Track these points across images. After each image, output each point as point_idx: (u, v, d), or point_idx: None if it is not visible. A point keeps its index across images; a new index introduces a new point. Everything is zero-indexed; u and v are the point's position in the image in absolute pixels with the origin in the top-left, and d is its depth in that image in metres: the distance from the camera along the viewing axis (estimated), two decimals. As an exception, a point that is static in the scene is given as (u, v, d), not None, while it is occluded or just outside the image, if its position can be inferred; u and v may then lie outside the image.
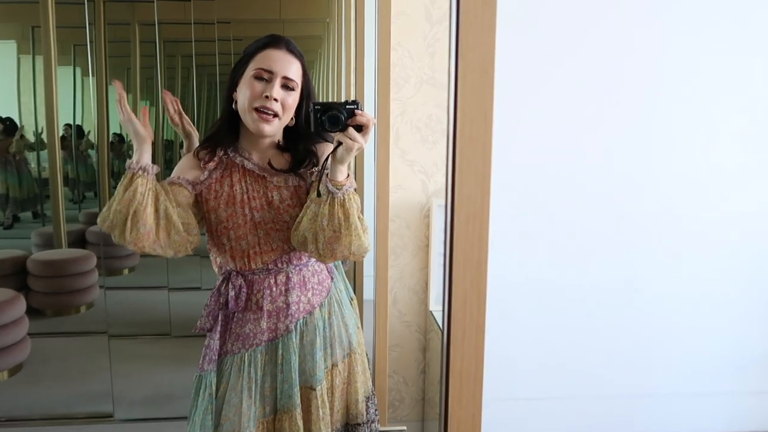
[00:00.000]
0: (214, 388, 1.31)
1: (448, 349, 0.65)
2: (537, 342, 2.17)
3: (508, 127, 1.86)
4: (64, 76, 3.28)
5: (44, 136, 3.30)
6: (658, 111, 2.07)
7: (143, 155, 1.20)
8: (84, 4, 2.81)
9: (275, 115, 1.23)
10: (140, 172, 1.18)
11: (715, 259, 2.18)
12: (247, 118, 1.24)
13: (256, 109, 1.22)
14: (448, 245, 0.63)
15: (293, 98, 1.25)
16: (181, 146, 1.52)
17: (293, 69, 1.25)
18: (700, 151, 2.11)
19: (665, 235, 2.16)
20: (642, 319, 2.20)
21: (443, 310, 0.67)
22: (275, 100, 1.22)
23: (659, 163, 2.10)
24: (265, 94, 1.22)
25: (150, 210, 1.17)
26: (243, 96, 1.24)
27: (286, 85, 1.24)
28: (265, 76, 1.22)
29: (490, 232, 0.63)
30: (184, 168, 1.31)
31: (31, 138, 3.38)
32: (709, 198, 2.15)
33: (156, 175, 1.22)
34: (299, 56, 1.27)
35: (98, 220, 1.20)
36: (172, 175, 1.31)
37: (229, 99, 1.28)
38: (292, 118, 1.28)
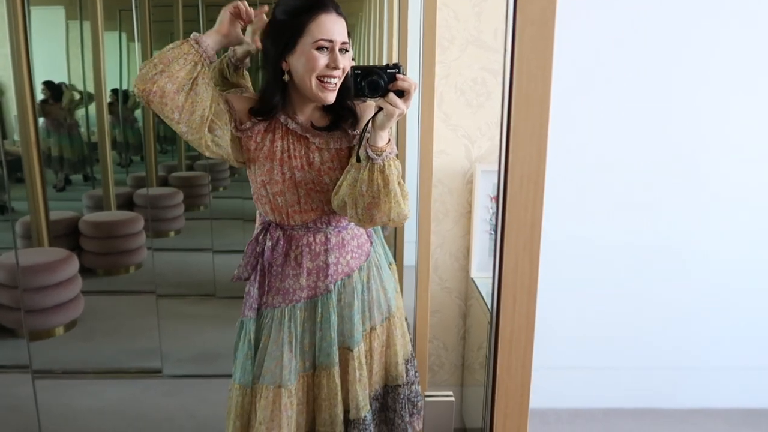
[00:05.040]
0: (252, 335, 1.34)
1: (497, 317, 0.64)
2: (577, 309, 2.13)
3: (564, 89, 1.79)
4: (110, 41, 3.32)
5: (93, 101, 3.37)
6: (705, 73, 1.96)
7: (208, 35, 1.18)
8: (129, -33, 2.82)
9: (337, 82, 1.22)
10: (193, 42, 1.16)
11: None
12: (311, 88, 1.21)
13: (320, 80, 1.20)
14: (500, 207, 0.61)
15: (348, 59, 1.23)
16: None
17: (345, 32, 1.22)
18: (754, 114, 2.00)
19: (716, 205, 2.07)
20: (688, 289, 2.13)
21: (493, 276, 0.65)
22: (342, 69, 1.20)
23: (722, 129, 2.00)
24: (332, 65, 1.19)
25: (183, 74, 1.13)
26: (303, 68, 1.20)
27: (343, 49, 1.21)
28: (326, 46, 1.19)
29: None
30: (236, 100, 1.28)
31: (81, 101, 3.46)
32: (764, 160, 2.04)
33: (209, 64, 1.18)
34: (343, 14, 1.24)
35: (139, 68, 1.16)
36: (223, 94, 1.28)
37: (277, 69, 1.24)
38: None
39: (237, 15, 1.22)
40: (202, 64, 1.17)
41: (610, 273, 2.11)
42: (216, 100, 1.20)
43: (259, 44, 1.32)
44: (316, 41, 1.18)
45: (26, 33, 2.87)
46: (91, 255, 3.30)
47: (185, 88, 1.14)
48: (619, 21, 1.96)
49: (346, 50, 1.22)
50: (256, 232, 1.37)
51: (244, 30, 1.29)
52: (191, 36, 1.18)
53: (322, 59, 1.19)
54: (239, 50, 1.40)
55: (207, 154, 1.24)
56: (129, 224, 3.35)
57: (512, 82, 0.57)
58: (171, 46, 1.15)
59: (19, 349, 2.58)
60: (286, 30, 1.21)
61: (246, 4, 1.23)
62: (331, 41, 1.19)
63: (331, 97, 1.22)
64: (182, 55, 1.14)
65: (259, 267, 1.35)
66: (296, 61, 1.21)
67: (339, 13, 1.22)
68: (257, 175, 1.29)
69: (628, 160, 2.04)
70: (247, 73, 1.49)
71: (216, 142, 1.23)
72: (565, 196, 2.03)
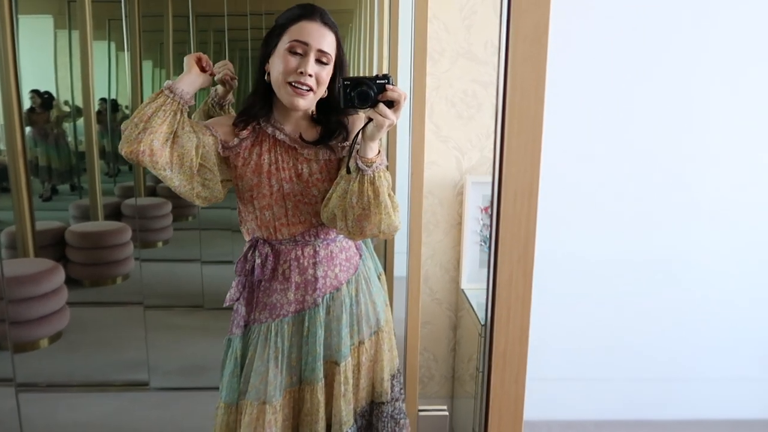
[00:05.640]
0: (239, 352, 1.33)
1: (491, 329, 0.64)
2: (569, 320, 2.14)
3: (555, 102, 1.80)
4: (99, 50, 3.31)
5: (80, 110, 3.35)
6: (714, 86, 1.99)
7: (180, 81, 1.18)
8: (119, -23, 2.81)
9: (309, 90, 1.21)
10: (167, 92, 1.16)
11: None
12: (282, 92, 1.22)
13: (291, 84, 1.20)
14: (494, 221, 0.61)
15: (327, 72, 1.23)
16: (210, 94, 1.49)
17: (327, 42, 1.22)
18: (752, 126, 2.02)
19: (707, 216, 2.09)
20: (680, 300, 2.15)
21: (487, 288, 0.65)
22: (310, 75, 1.19)
23: (713, 140, 2.02)
24: (299, 70, 1.19)
25: (165, 128, 1.14)
26: (276, 70, 1.21)
27: (320, 59, 1.21)
28: (299, 50, 1.20)
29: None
30: (219, 124, 1.29)
31: (69, 114, 3.43)
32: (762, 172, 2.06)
33: (188, 109, 1.19)
34: (333, 27, 1.24)
35: (122, 129, 1.16)
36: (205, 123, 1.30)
37: (262, 71, 1.26)
38: (325, 91, 1.26)
39: (200, 66, 1.23)
40: (181, 112, 1.17)
41: (602, 285, 2.12)
42: (200, 144, 1.21)
43: (235, 83, 1.38)
44: (290, 43, 1.19)
45: (14, 41, 2.85)
46: (77, 266, 3.26)
47: (169, 141, 1.15)
48: (609, 35, 1.99)
49: (325, 62, 1.22)
50: (244, 249, 1.35)
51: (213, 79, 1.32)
52: (164, 85, 1.18)
53: (293, 62, 1.19)
54: (220, 89, 1.43)
55: (197, 202, 1.25)
56: (116, 234, 3.32)
57: (505, 96, 0.57)
58: (147, 101, 1.16)
59: (2, 362, 2.53)
60: (272, 34, 1.24)
61: (206, 57, 1.24)
62: (306, 44, 1.19)
63: (300, 104, 1.21)
64: (160, 107, 1.14)
65: (247, 284, 1.34)
66: (273, 65, 1.23)
67: (325, 23, 1.22)
68: (244, 191, 1.29)
69: (621, 173, 2.05)
70: (232, 109, 1.51)
71: (206, 185, 1.24)
72: (558, 209, 2.04)
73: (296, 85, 1.20)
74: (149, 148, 1.12)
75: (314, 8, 1.23)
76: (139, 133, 1.12)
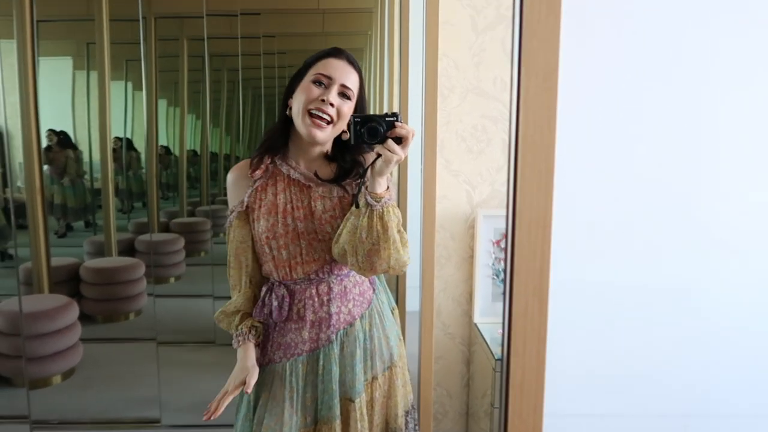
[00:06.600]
0: (252, 395, 1.32)
1: (508, 361, 0.64)
2: (585, 353, 2.11)
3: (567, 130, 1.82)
4: (116, 90, 3.40)
5: (96, 149, 3.42)
6: (720, 110, 2.00)
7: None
8: (138, 21, 2.91)
9: (329, 122, 1.24)
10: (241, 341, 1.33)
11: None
12: (300, 122, 1.24)
13: (311, 114, 1.23)
14: (509, 254, 0.62)
15: (349, 107, 1.26)
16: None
17: (351, 79, 1.26)
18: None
19: (726, 245, 2.08)
20: (700, 330, 2.12)
21: (503, 320, 0.66)
22: (331, 105, 1.23)
23: (726, 164, 2.02)
24: (321, 98, 1.22)
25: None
26: (299, 100, 1.24)
27: (343, 93, 1.25)
28: (323, 81, 1.24)
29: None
30: (235, 185, 1.33)
31: (85, 150, 3.51)
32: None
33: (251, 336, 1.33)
34: (358, 69, 1.28)
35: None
36: (229, 200, 1.35)
37: (285, 105, 1.30)
38: (344, 131, 1.28)
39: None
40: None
41: (618, 315, 2.10)
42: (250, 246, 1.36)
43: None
44: (315, 75, 1.24)
45: (35, 82, 2.94)
46: (91, 301, 3.28)
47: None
48: (622, 63, 2.02)
49: (348, 97, 1.25)
50: (261, 294, 1.36)
51: None
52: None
53: (316, 92, 1.23)
54: None
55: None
56: (130, 270, 3.35)
57: (518, 131, 0.59)
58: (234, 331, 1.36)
59: (16, 398, 2.53)
60: (299, 72, 1.29)
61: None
62: (329, 78, 1.23)
63: (318, 135, 1.23)
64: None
65: (263, 328, 1.35)
66: (296, 97, 1.26)
67: (350, 62, 1.26)
68: (260, 233, 1.30)
69: (637, 200, 2.05)
70: None
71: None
72: (573, 239, 2.04)
73: (316, 113, 1.22)
74: None
75: (341, 49, 1.28)
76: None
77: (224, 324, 1.36)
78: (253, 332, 1.32)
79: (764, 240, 2.31)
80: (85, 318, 3.08)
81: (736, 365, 2.29)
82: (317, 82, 1.24)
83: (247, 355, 1.30)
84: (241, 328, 1.32)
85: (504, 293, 0.64)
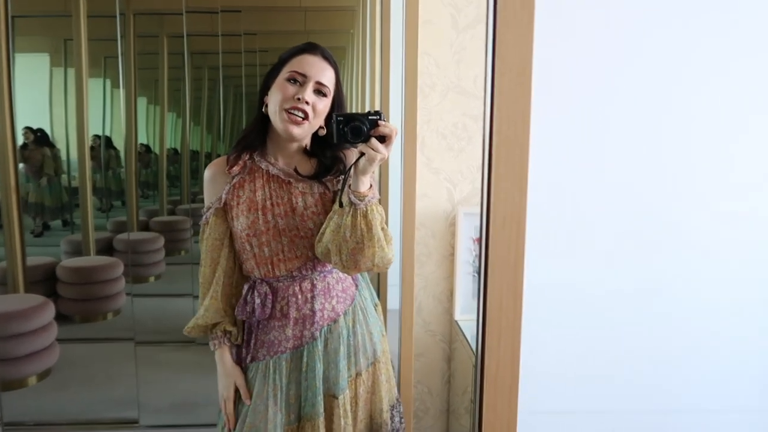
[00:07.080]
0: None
1: (482, 356, 0.64)
2: (563, 351, 2.12)
3: (542, 130, 1.83)
4: (94, 87, 3.35)
5: (74, 147, 3.37)
6: (691, 112, 2.03)
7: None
8: (116, 17, 2.87)
9: (305, 118, 1.23)
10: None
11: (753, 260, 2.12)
12: (277, 119, 1.23)
13: (287, 111, 1.22)
14: (483, 248, 0.62)
15: (324, 104, 1.25)
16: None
17: (327, 75, 1.25)
18: (741, 151, 2.06)
19: (704, 246, 2.10)
20: (676, 330, 2.14)
21: (477, 315, 0.66)
22: (306, 102, 1.22)
23: (697, 165, 2.05)
24: (296, 96, 1.21)
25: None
26: (274, 98, 1.24)
27: (319, 90, 1.24)
28: (298, 79, 1.23)
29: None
30: (213, 182, 1.32)
31: (62, 149, 3.45)
32: (746, 198, 2.09)
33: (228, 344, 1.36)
34: (333, 64, 1.27)
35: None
36: (205, 197, 1.34)
37: (261, 102, 1.29)
38: (321, 127, 1.27)
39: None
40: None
41: (595, 314, 2.12)
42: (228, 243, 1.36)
43: None
44: (290, 72, 1.23)
45: (10, 79, 2.89)
46: (68, 301, 3.23)
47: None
48: (599, 62, 2.04)
49: (323, 94, 1.25)
50: (243, 292, 1.34)
51: None
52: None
53: (291, 90, 1.22)
54: None
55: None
56: (108, 269, 3.30)
57: (492, 126, 0.59)
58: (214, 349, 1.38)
59: (-11, 401, 2.48)
60: (273, 68, 1.28)
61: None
62: (304, 75, 1.23)
63: (294, 131, 1.23)
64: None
65: (246, 326, 1.34)
66: (271, 94, 1.25)
67: (325, 58, 1.26)
68: (241, 230, 1.29)
69: (614, 199, 2.07)
70: None
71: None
72: (548, 238, 2.06)
73: (292, 111, 1.22)
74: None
75: (316, 45, 1.27)
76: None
77: (195, 333, 1.38)
78: (228, 336, 1.35)
79: (734, 242, 2.34)
80: (62, 318, 3.03)
81: (706, 363, 2.33)
82: (292, 80, 1.23)
83: (224, 358, 1.35)
84: (216, 332, 1.34)
85: (478, 288, 0.64)
